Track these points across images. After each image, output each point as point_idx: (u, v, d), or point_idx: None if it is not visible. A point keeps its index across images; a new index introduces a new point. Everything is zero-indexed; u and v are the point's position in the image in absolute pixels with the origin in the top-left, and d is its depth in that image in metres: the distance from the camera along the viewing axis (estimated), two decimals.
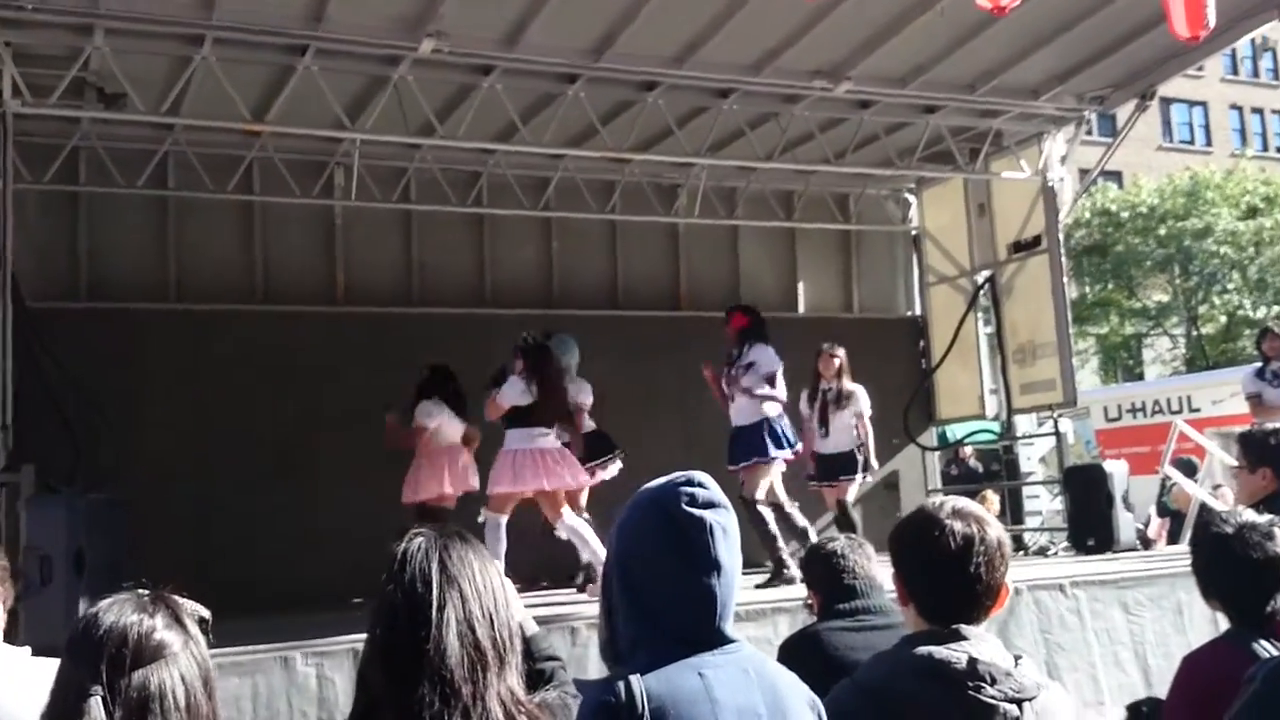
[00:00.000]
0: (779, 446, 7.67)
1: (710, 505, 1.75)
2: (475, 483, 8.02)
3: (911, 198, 12.13)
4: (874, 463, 8.52)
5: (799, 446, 7.89)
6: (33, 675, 2.08)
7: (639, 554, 1.77)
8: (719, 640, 1.76)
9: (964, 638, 2.08)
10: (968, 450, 13.92)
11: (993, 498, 11.23)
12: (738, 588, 1.79)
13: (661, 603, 1.74)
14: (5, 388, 6.84)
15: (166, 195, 9.62)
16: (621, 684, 1.69)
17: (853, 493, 8.59)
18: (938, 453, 12.23)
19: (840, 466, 8.45)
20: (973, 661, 2.03)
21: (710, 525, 1.73)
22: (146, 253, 9.66)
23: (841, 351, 8.60)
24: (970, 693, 2.00)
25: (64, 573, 5.61)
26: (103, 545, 5.88)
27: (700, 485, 1.77)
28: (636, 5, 7.60)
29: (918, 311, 12.14)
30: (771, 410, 7.73)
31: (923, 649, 2.07)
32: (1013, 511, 11.30)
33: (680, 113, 9.26)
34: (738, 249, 11.67)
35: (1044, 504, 13.80)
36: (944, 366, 11.39)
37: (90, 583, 5.55)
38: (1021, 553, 10.52)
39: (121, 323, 9.11)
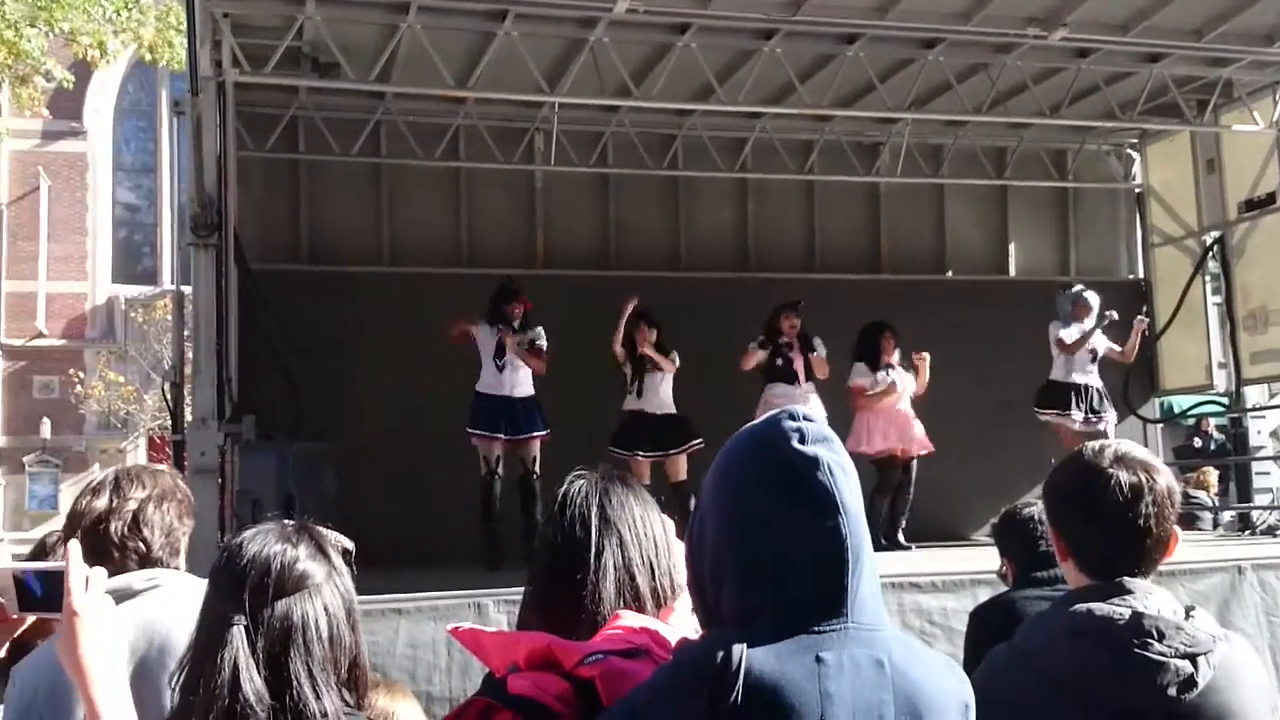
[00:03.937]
0: None
1: (823, 440, 1.47)
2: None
3: (1134, 153, 11.43)
4: None
5: None
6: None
7: (745, 504, 1.47)
8: (851, 613, 1.43)
9: (1128, 591, 1.91)
10: (1210, 423, 13.07)
11: (1211, 474, 10.52)
12: (868, 542, 1.48)
13: (782, 562, 1.44)
14: (229, 344, 7.27)
15: (379, 163, 10.06)
16: (722, 651, 1.39)
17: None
18: (1161, 426, 11.55)
19: None
20: (1137, 616, 1.86)
21: (827, 464, 1.45)
22: (362, 217, 10.13)
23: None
24: (1136, 650, 1.83)
25: (274, 515, 5.92)
26: (313, 490, 6.19)
27: (808, 419, 1.48)
28: None
29: (1140, 274, 11.48)
30: None
31: (1082, 606, 1.92)
32: (1240, 488, 10.57)
33: (882, 66, 8.94)
34: (943, 209, 11.26)
35: (1274, 480, 12.85)
36: (1169, 334, 10.72)
37: None
38: (1248, 531, 9.86)
39: (339, 284, 9.58)
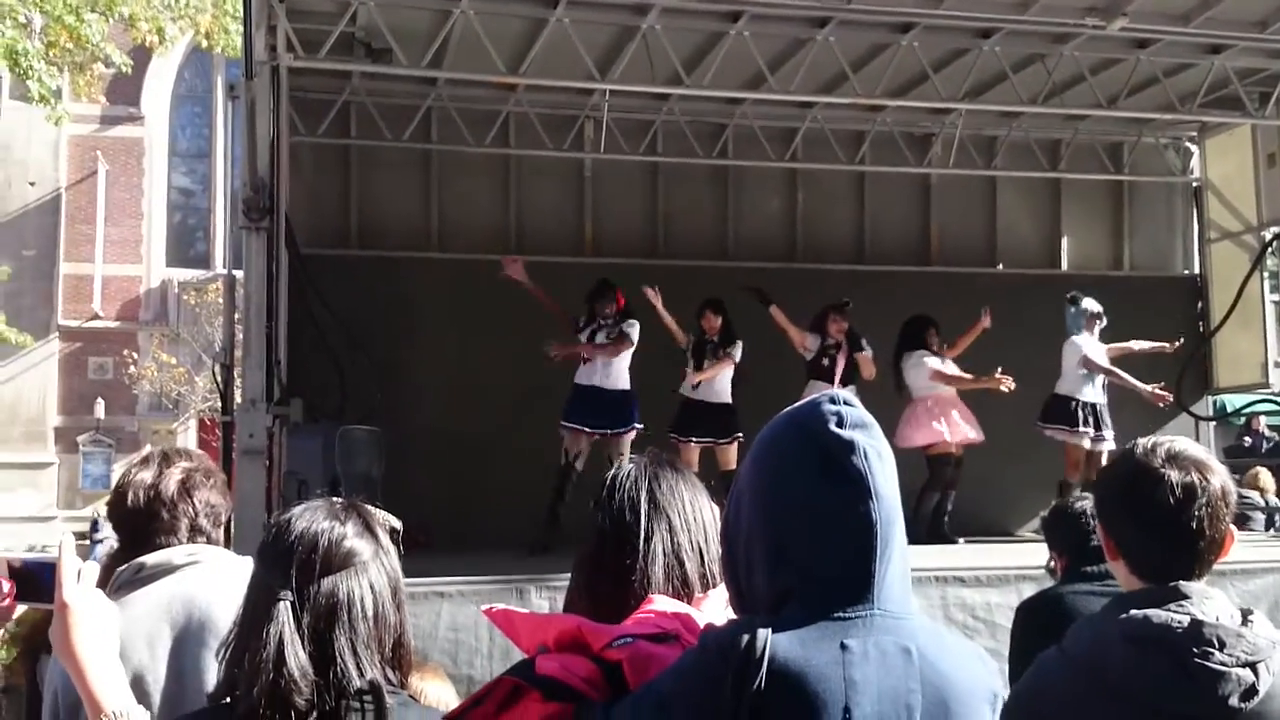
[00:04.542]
0: None
1: (861, 425, 1.46)
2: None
3: (1193, 146, 11.23)
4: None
5: None
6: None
7: (779, 486, 1.46)
8: (878, 600, 1.41)
9: (1185, 596, 1.83)
10: (1262, 421, 12.83)
11: (1266, 475, 10.30)
12: (900, 528, 1.46)
13: (810, 544, 1.42)
14: (279, 327, 7.34)
15: (430, 149, 10.11)
16: (746, 635, 1.37)
17: None
18: (1214, 424, 11.36)
19: None
20: (1196, 624, 1.78)
21: (863, 449, 1.44)
22: (411, 203, 10.21)
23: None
24: (1196, 660, 1.76)
25: (322, 494, 5.98)
26: (359, 473, 6.23)
27: (847, 404, 1.47)
28: None
29: (1196, 270, 11.29)
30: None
31: (1138, 612, 1.84)
32: None
33: (936, 56, 8.83)
34: (995, 201, 11.14)
35: None
36: (1224, 330, 10.53)
37: None
38: None
39: (389, 269, 9.66)
